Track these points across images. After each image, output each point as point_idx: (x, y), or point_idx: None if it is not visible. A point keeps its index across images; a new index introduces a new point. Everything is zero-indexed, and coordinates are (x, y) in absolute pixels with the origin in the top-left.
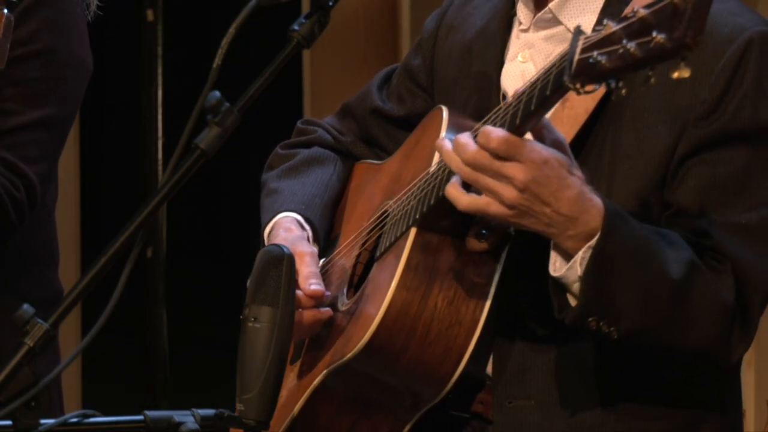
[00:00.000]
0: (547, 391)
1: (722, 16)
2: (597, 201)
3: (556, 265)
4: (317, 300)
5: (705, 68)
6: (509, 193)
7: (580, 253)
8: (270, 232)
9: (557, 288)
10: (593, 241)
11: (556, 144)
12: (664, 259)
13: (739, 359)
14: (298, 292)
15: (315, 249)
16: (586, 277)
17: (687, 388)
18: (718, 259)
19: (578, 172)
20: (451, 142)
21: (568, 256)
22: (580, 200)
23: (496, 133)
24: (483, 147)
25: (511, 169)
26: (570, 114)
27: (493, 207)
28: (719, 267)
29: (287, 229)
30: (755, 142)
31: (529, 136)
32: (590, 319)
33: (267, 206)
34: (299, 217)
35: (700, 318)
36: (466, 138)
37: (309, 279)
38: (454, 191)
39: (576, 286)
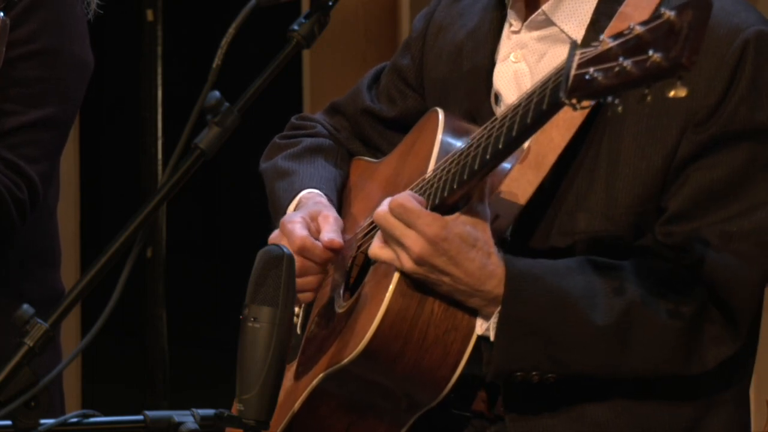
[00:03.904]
0: (555, 393)
1: (718, 15)
2: (500, 269)
3: (482, 325)
4: (334, 251)
5: (702, 72)
6: (406, 262)
7: (493, 318)
8: (296, 208)
9: (486, 343)
10: (500, 307)
11: (472, 212)
12: (590, 306)
13: (718, 362)
14: (317, 243)
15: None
16: (497, 341)
17: (693, 382)
18: (687, 280)
19: (483, 245)
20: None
21: (488, 317)
22: (481, 272)
23: (399, 195)
24: (389, 205)
25: (409, 240)
26: (565, 117)
27: (397, 265)
28: (685, 287)
29: (317, 202)
30: (752, 143)
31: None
32: (517, 374)
33: (283, 187)
34: (324, 196)
35: (646, 351)
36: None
37: (328, 233)
38: (377, 236)
39: None
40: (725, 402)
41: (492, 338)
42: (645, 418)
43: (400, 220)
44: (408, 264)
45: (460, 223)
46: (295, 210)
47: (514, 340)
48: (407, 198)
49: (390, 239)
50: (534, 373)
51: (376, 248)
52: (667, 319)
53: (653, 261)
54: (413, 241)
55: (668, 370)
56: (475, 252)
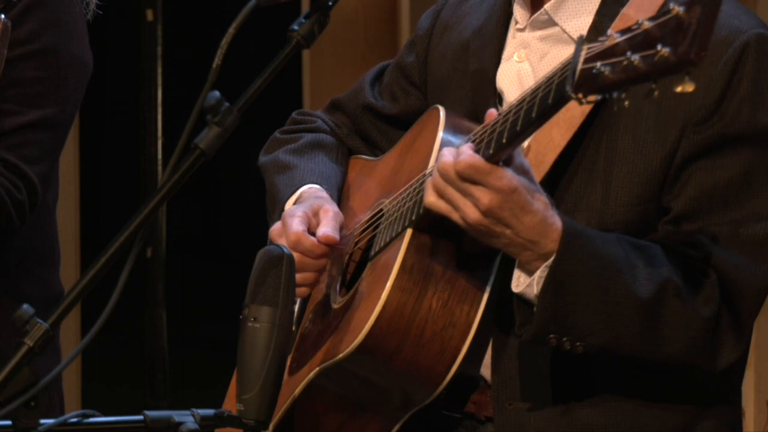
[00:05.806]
0: (547, 393)
1: (719, 18)
2: (558, 224)
3: (520, 281)
4: (329, 246)
5: (702, 72)
6: (472, 212)
7: (538, 272)
8: (296, 202)
9: (522, 303)
10: (550, 261)
11: (521, 169)
12: (632, 277)
13: (727, 364)
14: (311, 239)
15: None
16: (542, 296)
17: (686, 386)
18: (705, 272)
19: (542, 197)
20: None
21: (531, 273)
22: (541, 225)
23: (464, 156)
24: (454, 165)
25: (478, 192)
26: (566, 116)
27: (455, 216)
28: (704, 280)
29: (318, 197)
30: (754, 145)
31: None
32: (550, 336)
33: (284, 181)
34: (324, 191)
35: (673, 334)
36: (455, 147)
37: (323, 228)
38: (428, 185)
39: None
40: (718, 405)
41: (535, 293)
42: (638, 422)
43: (469, 180)
44: (474, 215)
45: (519, 175)
46: (295, 204)
47: (560, 298)
48: (473, 157)
49: (453, 192)
50: (565, 338)
51: (432, 199)
52: (696, 307)
53: (675, 252)
54: (483, 193)
55: (685, 360)
56: (536, 204)
